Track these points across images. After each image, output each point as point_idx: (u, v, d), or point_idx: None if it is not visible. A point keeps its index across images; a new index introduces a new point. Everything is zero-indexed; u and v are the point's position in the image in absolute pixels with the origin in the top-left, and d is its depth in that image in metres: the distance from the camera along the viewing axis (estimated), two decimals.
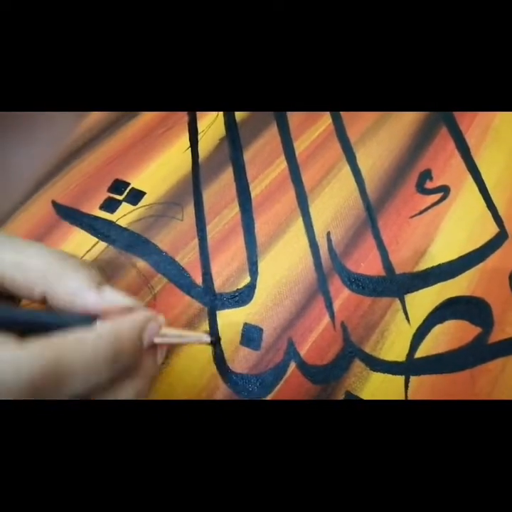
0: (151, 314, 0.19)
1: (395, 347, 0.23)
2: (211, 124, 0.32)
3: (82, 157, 0.31)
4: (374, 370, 0.23)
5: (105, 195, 0.29)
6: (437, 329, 0.23)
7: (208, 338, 0.21)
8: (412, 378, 0.22)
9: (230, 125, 0.31)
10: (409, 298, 0.24)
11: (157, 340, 0.19)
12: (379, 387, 0.22)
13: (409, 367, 0.23)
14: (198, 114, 0.32)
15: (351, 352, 0.23)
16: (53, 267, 0.18)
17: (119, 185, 0.29)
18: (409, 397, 0.22)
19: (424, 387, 0.22)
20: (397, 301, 0.24)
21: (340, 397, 0.22)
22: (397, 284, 0.24)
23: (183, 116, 0.32)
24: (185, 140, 0.31)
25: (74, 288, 0.18)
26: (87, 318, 0.18)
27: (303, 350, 0.23)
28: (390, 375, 0.23)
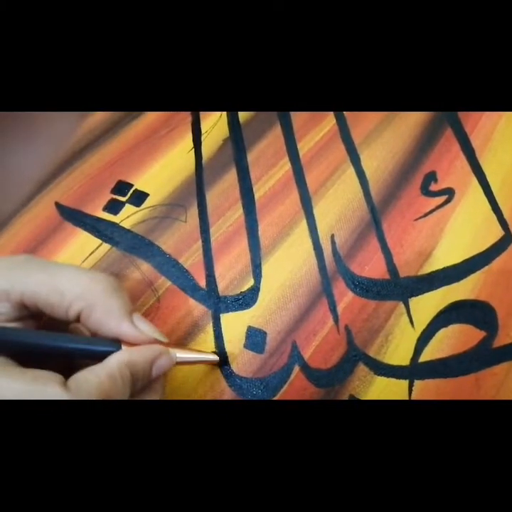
0: (164, 349, 0.20)
1: (399, 351, 0.23)
2: (214, 124, 0.31)
3: (84, 158, 0.31)
4: (378, 374, 0.23)
5: (109, 196, 0.29)
6: (442, 333, 0.23)
7: (216, 358, 0.23)
8: (416, 382, 0.22)
9: (234, 126, 0.31)
10: (413, 301, 0.24)
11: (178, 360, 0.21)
12: (383, 391, 0.22)
13: (413, 371, 0.23)
14: (202, 114, 0.32)
15: (355, 356, 0.23)
16: (91, 288, 0.19)
17: (122, 187, 0.29)
18: None
19: (428, 391, 0.22)
20: (402, 305, 0.24)
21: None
22: (401, 288, 0.24)
23: (186, 117, 0.32)
24: (188, 141, 0.31)
25: (111, 310, 0.19)
26: (114, 344, 0.20)
27: (307, 354, 0.23)
28: (394, 379, 0.23)
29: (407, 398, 0.22)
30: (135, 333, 0.20)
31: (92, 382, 0.17)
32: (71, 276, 0.20)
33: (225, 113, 0.32)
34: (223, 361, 0.23)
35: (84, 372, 0.18)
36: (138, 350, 0.20)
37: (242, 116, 0.32)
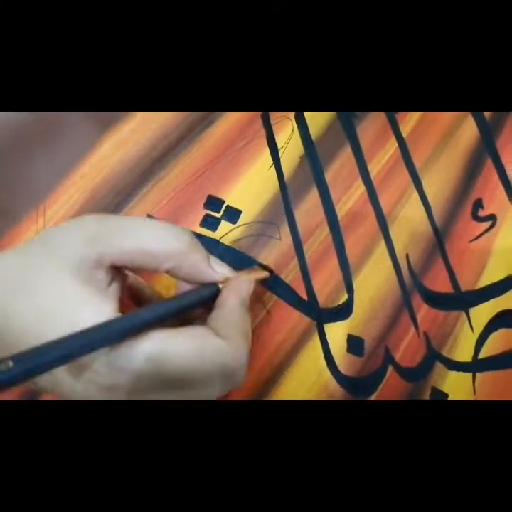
0: (249, 278, 0.25)
1: (464, 350, 0.30)
2: (289, 139, 0.34)
3: (166, 168, 0.32)
4: (450, 369, 0.30)
5: (202, 212, 0.31)
6: (493, 336, 0.31)
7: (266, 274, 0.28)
8: (478, 374, 0.30)
9: (308, 143, 0.34)
10: (472, 311, 0.31)
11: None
12: (454, 383, 0.30)
13: (474, 366, 0.30)
14: (274, 126, 0.34)
15: (433, 356, 0.30)
16: (177, 247, 0.21)
17: (214, 202, 0.31)
18: (476, 390, 0.30)
19: (486, 382, 0.30)
20: (464, 314, 0.31)
21: (428, 391, 0.29)
22: (463, 300, 0.31)
23: (260, 129, 0.34)
24: (266, 156, 0.33)
25: (196, 263, 0.22)
26: (213, 287, 0.23)
27: (397, 356, 0.30)
28: (462, 373, 0.30)
29: (472, 387, 0.30)
30: (217, 276, 0.23)
31: (233, 319, 0.22)
32: (157, 238, 0.21)
33: (296, 128, 0.34)
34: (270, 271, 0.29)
35: (217, 317, 0.22)
36: (237, 286, 0.24)
37: (313, 132, 0.34)
